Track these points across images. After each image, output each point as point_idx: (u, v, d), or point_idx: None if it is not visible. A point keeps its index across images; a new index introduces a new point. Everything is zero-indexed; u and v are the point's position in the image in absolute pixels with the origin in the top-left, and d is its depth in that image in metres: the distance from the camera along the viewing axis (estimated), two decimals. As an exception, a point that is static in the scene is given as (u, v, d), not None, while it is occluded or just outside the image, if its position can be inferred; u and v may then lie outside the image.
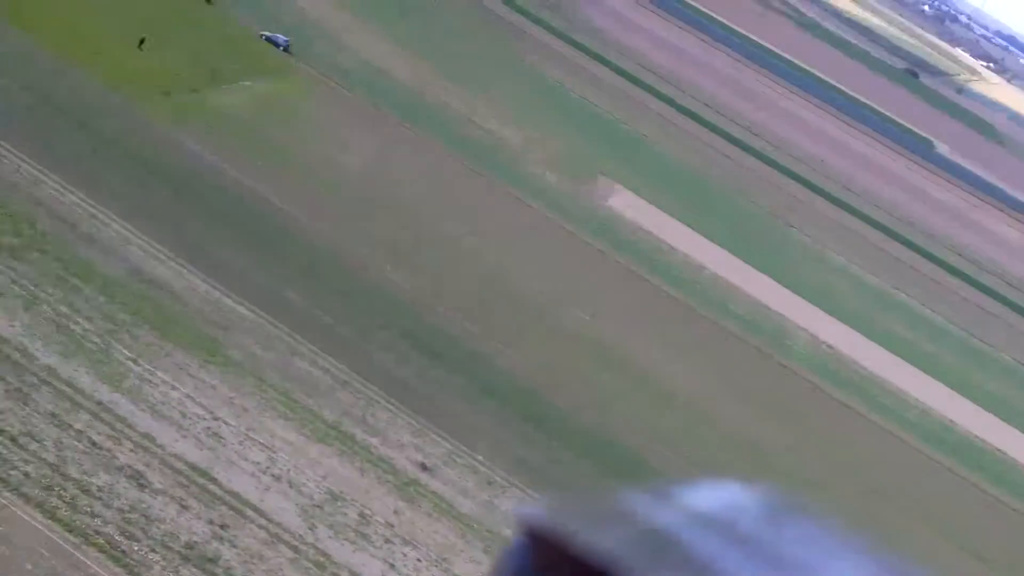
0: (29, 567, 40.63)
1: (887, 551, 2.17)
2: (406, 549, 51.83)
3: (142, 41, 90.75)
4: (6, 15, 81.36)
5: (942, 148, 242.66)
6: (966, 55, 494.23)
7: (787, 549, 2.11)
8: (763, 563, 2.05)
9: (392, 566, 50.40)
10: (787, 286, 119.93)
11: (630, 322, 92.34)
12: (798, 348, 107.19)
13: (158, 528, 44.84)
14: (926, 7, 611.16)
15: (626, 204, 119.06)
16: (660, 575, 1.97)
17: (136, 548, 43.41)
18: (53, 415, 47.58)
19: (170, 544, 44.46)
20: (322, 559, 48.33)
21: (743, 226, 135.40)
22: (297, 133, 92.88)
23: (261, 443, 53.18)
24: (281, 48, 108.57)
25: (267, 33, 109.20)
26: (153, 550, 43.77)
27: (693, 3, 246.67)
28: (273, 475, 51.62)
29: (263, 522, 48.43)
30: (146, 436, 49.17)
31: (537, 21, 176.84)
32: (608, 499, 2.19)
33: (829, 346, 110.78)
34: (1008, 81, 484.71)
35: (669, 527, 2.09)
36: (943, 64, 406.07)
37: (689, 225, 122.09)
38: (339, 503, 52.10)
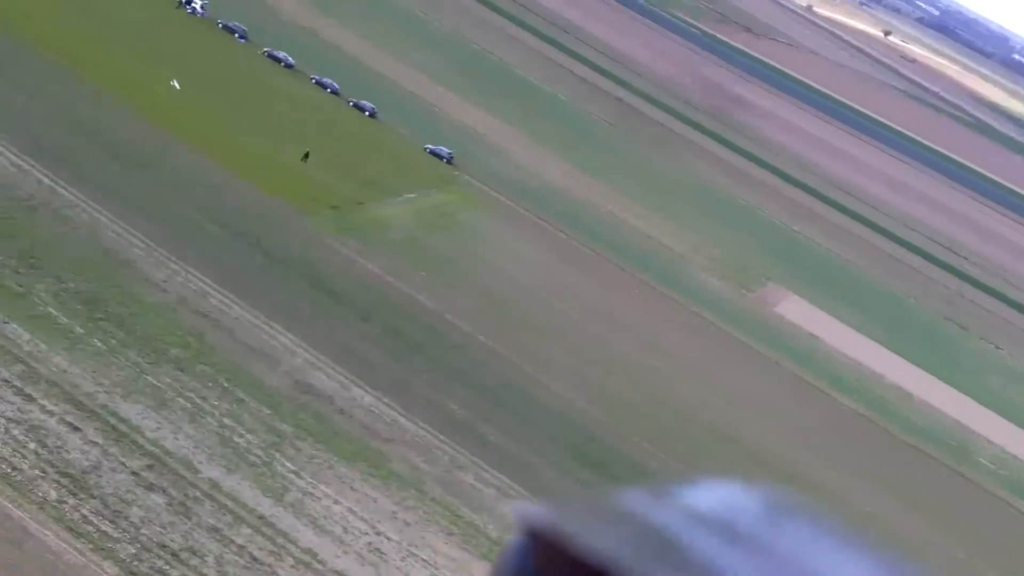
0: None
1: (887, 551, 2.12)
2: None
3: (306, 155, 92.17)
4: (177, 132, 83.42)
5: None
6: None
7: (787, 549, 2.08)
8: (763, 563, 2.03)
9: None
10: (969, 394, 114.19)
11: (804, 435, 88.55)
12: (982, 460, 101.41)
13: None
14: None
15: (795, 311, 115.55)
16: (660, 575, 1.96)
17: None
18: (215, 529, 46.78)
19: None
20: None
21: (919, 332, 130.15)
22: (461, 245, 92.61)
23: (423, 559, 51.50)
24: (445, 160, 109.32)
25: (431, 146, 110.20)
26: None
27: (859, 107, 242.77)
28: (436, 593, 49.87)
29: (426, 643, 46.55)
30: (308, 552, 48.00)
31: (695, 125, 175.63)
32: (608, 499, 2.17)
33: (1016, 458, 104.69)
34: None
35: (669, 527, 2.08)
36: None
37: (860, 331, 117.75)
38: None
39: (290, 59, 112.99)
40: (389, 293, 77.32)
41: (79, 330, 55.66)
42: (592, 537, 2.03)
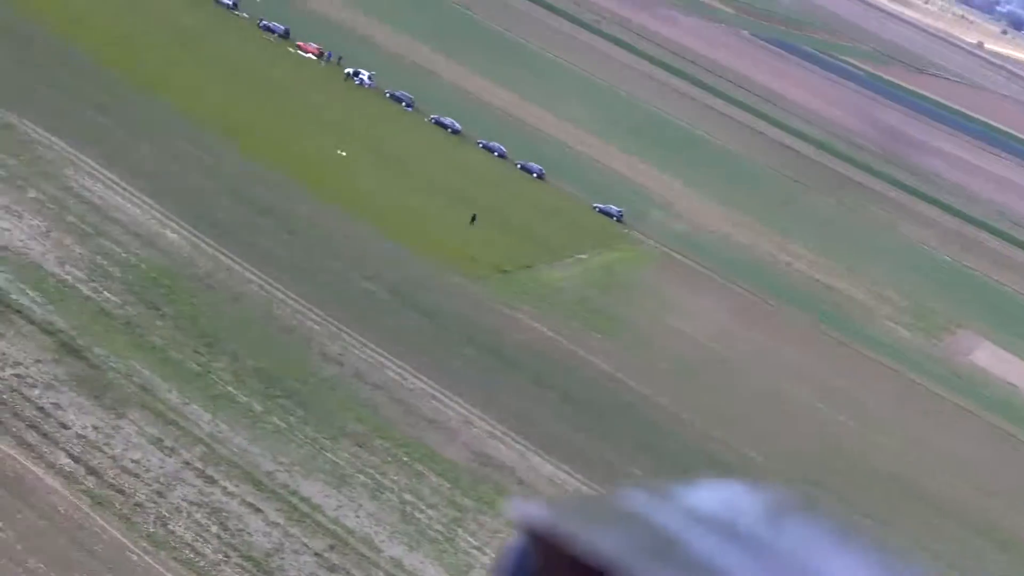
0: None
1: (887, 550, 2.13)
2: None
3: (473, 218, 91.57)
4: (345, 202, 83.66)
5: None
6: None
7: (787, 549, 2.10)
8: (763, 563, 2.05)
9: None
10: None
11: (1005, 489, 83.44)
12: None
13: None
14: None
15: (990, 358, 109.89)
16: (660, 575, 1.98)
17: None
18: (399, 612, 45.43)
19: None
20: None
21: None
22: (636, 304, 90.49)
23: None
24: (615, 219, 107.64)
25: (600, 204, 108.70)
26: None
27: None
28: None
29: None
30: (494, 633, 46.14)
31: (869, 169, 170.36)
32: (608, 499, 2.19)
33: None
34: None
35: (669, 527, 2.10)
36: None
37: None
38: None
39: (456, 125, 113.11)
40: (563, 357, 75.65)
41: (258, 408, 55.34)
42: (592, 537, 2.02)
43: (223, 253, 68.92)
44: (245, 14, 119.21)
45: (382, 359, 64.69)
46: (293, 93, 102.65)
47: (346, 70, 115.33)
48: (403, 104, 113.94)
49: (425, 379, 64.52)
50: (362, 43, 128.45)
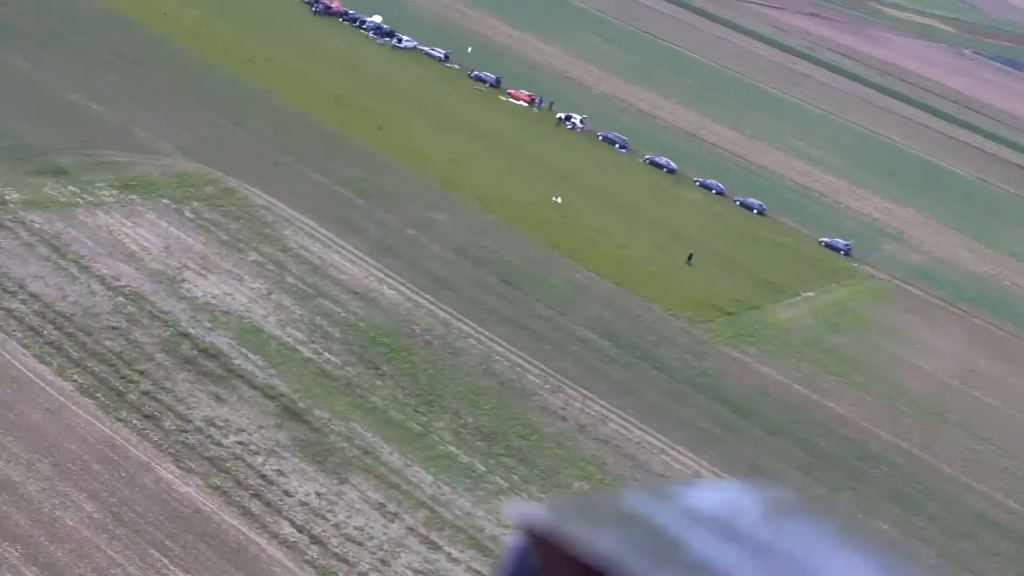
0: None
1: (887, 551, 2.13)
2: None
3: (690, 257, 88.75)
4: (562, 248, 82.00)
5: None
6: None
7: (787, 549, 2.10)
8: (762, 563, 2.05)
9: None
10: None
11: None
12: None
13: None
14: None
15: None
16: (660, 575, 1.98)
17: None
18: None
19: None
20: None
21: None
22: (871, 343, 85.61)
23: None
24: (842, 253, 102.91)
25: (826, 239, 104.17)
26: None
27: None
28: None
29: None
30: None
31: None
32: (608, 499, 2.20)
33: None
34: None
35: (669, 527, 2.11)
36: None
37: None
38: None
39: (672, 164, 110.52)
40: (796, 402, 71.84)
41: (480, 468, 53.75)
42: (592, 537, 2.02)
43: (440, 307, 68.01)
44: (456, 66, 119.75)
45: (606, 411, 62.42)
46: (507, 141, 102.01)
47: (558, 115, 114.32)
48: (616, 146, 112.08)
49: (651, 431, 61.92)
50: (570, 85, 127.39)
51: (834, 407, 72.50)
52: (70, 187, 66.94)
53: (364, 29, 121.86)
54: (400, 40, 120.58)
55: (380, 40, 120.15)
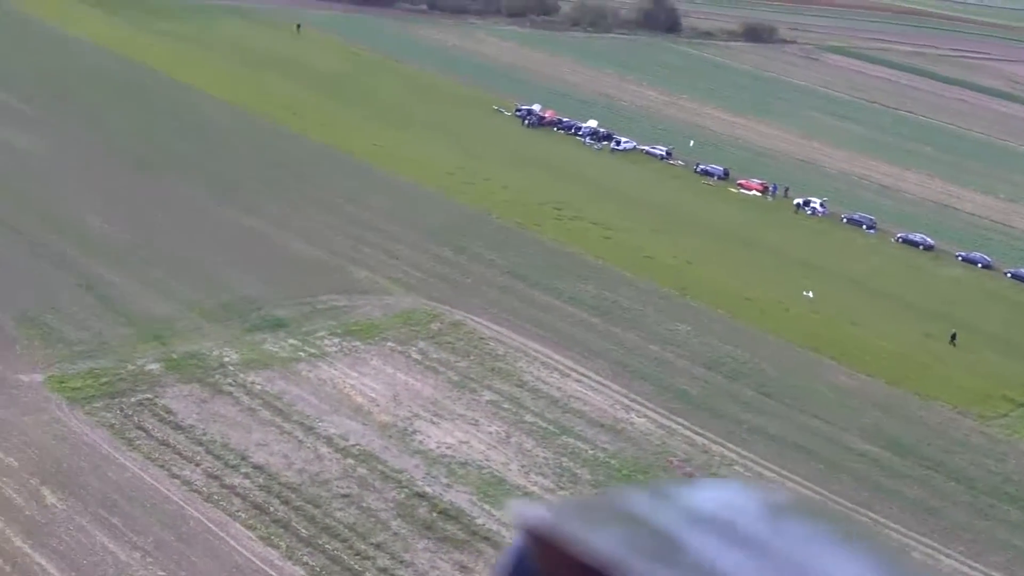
0: None
1: (887, 551, 2.09)
2: None
3: (953, 337, 79.40)
4: (819, 348, 73.96)
5: None
6: None
7: (787, 549, 2.08)
8: (762, 563, 2.03)
9: None
10: None
11: None
12: None
13: None
14: None
15: None
16: (660, 575, 1.98)
17: None
18: None
19: None
20: None
21: None
22: None
23: None
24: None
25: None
26: None
27: None
28: None
29: None
30: None
31: None
32: (608, 499, 2.19)
33: None
34: None
35: (669, 527, 2.10)
36: None
37: None
38: None
39: (928, 240, 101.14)
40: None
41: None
42: (592, 537, 2.02)
43: (696, 431, 60.97)
44: (680, 162, 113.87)
45: (904, 538, 53.89)
46: (743, 235, 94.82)
47: (795, 201, 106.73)
48: (864, 227, 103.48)
49: (960, 557, 53.08)
50: (803, 168, 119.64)
51: None
52: (290, 340, 63.10)
53: (580, 136, 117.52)
54: (619, 143, 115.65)
55: (598, 145, 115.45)
